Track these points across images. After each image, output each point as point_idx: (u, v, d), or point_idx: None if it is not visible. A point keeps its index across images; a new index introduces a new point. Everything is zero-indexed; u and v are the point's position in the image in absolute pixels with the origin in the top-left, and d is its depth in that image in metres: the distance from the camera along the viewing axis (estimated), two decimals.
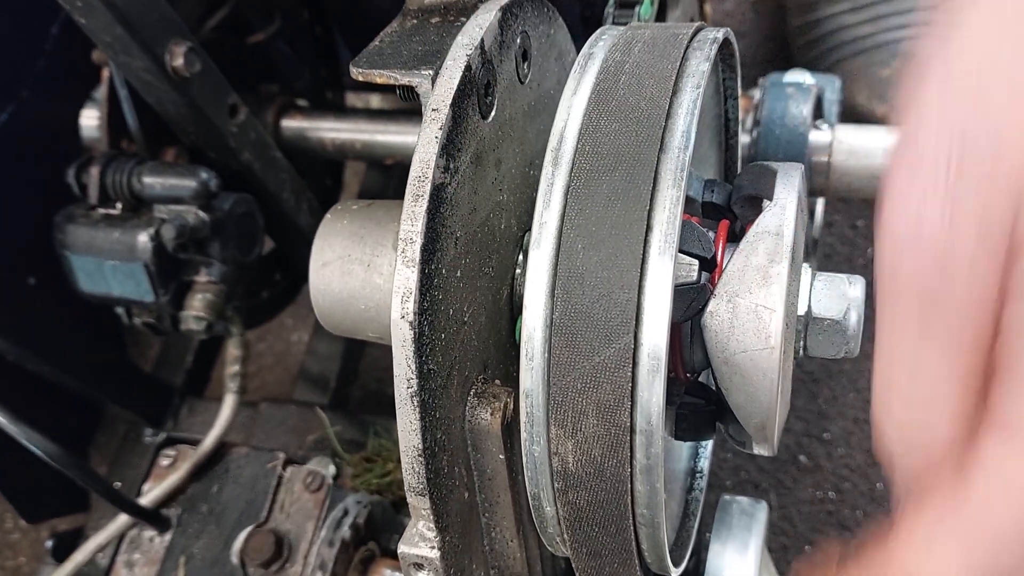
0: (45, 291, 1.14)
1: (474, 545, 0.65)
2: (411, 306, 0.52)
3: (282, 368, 1.89)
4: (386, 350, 0.54)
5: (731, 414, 0.59)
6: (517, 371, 0.54)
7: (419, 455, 0.54)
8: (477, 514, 0.65)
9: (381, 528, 1.05)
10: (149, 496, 1.00)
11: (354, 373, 1.44)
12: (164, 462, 1.03)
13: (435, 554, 0.58)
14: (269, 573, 0.94)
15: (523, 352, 0.53)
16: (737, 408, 0.59)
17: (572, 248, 0.52)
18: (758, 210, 0.58)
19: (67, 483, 1.37)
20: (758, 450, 0.62)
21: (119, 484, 1.09)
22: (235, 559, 0.96)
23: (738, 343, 0.55)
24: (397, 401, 0.53)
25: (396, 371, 0.53)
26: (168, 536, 0.99)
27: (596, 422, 0.52)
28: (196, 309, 0.99)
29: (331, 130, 1.17)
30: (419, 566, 0.59)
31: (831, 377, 1.59)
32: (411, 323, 0.52)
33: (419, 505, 0.56)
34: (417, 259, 0.52)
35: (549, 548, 0.63)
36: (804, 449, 1.53)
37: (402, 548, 0.58)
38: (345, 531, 0.97)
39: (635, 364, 0.50)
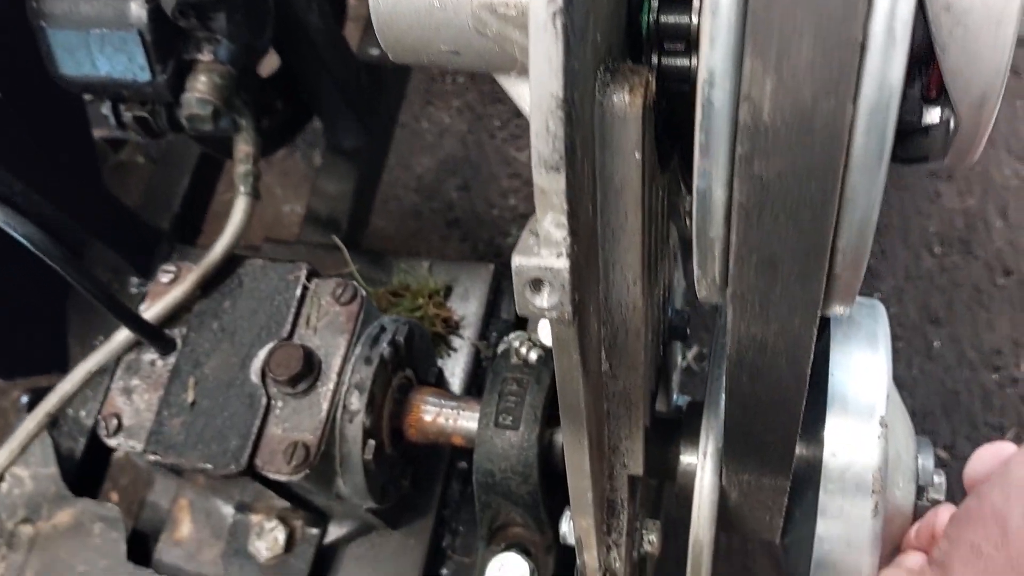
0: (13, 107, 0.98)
1: (591, 287, 0.51)
2: None
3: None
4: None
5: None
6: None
7: (558, 106, 0.40)
8: (596, 246, 0.51)
9: (420, 356, 0.92)
10: (147, 314, 0.85)
11: (367, 214, 1.29)
12: (164, 279, 0.88)
13: (563, 264, 0.44)
14: (296, 392, 0.80)
15: None
16: (953, 76, 0.45)
17: None
18: None
19: (44, 339, 1.22)
20: (956, 152, 0.49)
21: (101, 339, 0.94)
22: (255, 378, 0.81)
23: None
24: (532, 27, 0.39)
25: None
26: (172, 358, 0.84)
27: (812, 44, 0.38)
28: (201, 91, 0.83)
29: None
30: (538, 284, 0.45)
31: None
32: None
33: (550, 187, 0.42)
34: None
35: (697, 281, 0.49)
36: None
37: (518, 260, 0.44)
38: (384, 348, 0.83)
39: None
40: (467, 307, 1.07)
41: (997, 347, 1.33)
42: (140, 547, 1.00)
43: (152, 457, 0.80)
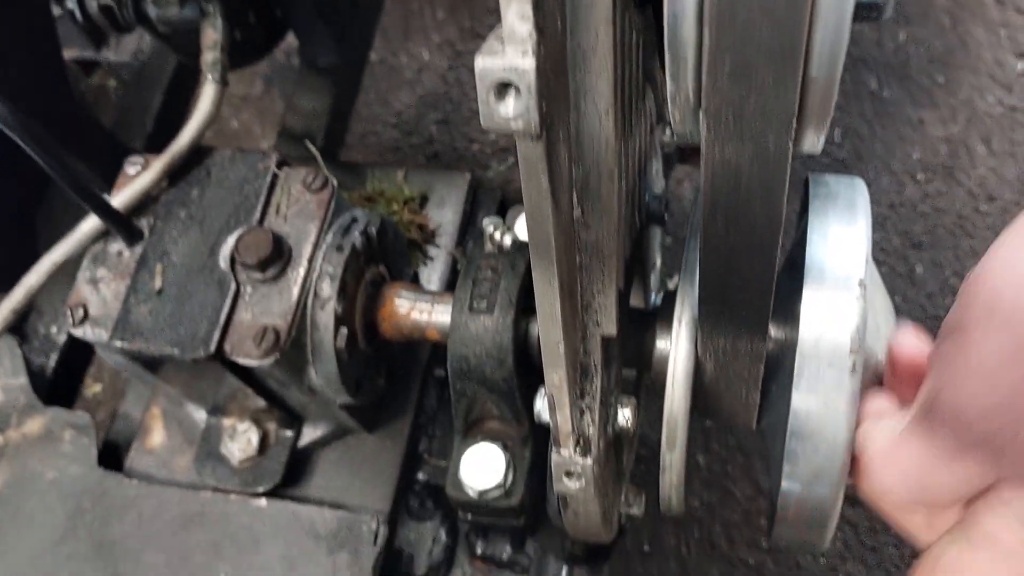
0: None
1: (560, 108, 0.49)
2: None
3: None
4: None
5: None
6: None
7: None
8: (566, 68, 0.49)
9: (393, 254, 0.90)
10: (114, 203, 0.83)
11: (342, 133, 1.27)
12: (131, 171, 0.86)
13: (529, 64, 0.42)
14: (266, 277, 0.78)
15: None
16: None
17: None
18: None
19: (13, 253, 1.20)
20: None
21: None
22: (224, 264, 0.80)
23: None
24: None
25: None
26: (139, 248, 0.82)
27: None
28: None
29: None
30: (503, 89, 0.43)
31: None
32: None
33: None
34: None
35: (672, 101, 0.48)
36: None
37: (481, 62, 0.43)
38: (356, 236, 0.81)
39: None
40: (443, 215, 1.05)
41: None
42: (112, 457, 0.99)
43: (119, 344, 0.78)
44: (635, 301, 0.93)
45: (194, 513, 0.90)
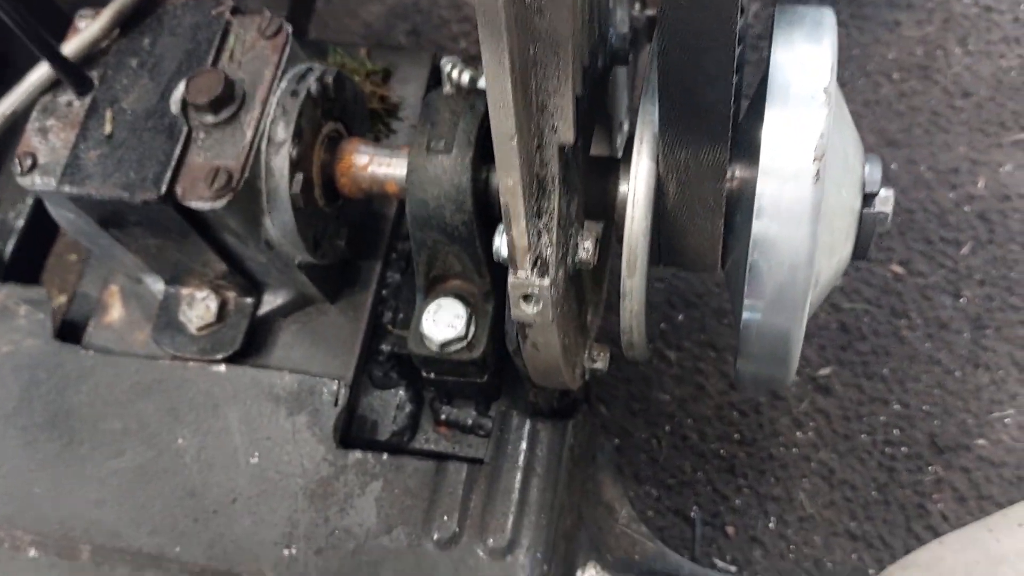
0: None
1: None
2: None
3: None
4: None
5: None
6: None
7: None
8: None
9: (352, 112, 0.88)
10: (64, 52, 0.80)
11: (308, 13, 1.24)
12: (81, 24, 0.83)
13: None
14: (218, 120, 0.76)
15: None
16: None
17: None
18: None
19: None
20: None
21: None
22: (175, 109, 0.77)
23: None
24: None
25: None
26: (89, 98, 0.80)
27: None
28: None
29: None
30: None
31: None
32: None
33: None
34: None
35: None
36: None
37: None
38: (312, 83, 0.79)
39: None
40: (407, 91, 1.03)
41: (954, 166, 1.32)
42: (71, 336, 0.96)
43: (67, 190, 0.76)
44: (602, 151, 0.91)
45: (152, 380, 0.89)
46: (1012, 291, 1.26)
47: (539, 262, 0.64)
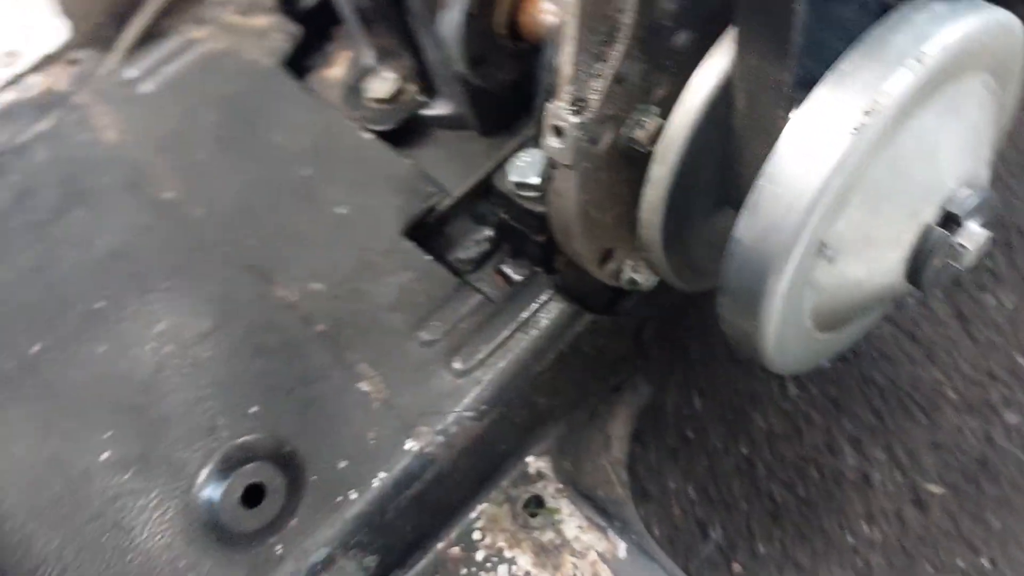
0: None
1: None
2: None
3: None
4: None
5: None
6: None
7: None
8: None
9: None
10: None
11: None
12: None
13: None
14: None
15: None
16: None
17: None
18: None
19: None
20: None
21: None
22: None
23: None
24: None
25: None
26: None
27: None
28: None
29: None
30: None
31: None
32: None
33: None
34: None
35: None
36: None
37: None
38: None
39: None
40: None
41: None
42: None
43: None
44: None
45: (319, 119, 1.02)
46: None
47: (579, 102, 0.67)
